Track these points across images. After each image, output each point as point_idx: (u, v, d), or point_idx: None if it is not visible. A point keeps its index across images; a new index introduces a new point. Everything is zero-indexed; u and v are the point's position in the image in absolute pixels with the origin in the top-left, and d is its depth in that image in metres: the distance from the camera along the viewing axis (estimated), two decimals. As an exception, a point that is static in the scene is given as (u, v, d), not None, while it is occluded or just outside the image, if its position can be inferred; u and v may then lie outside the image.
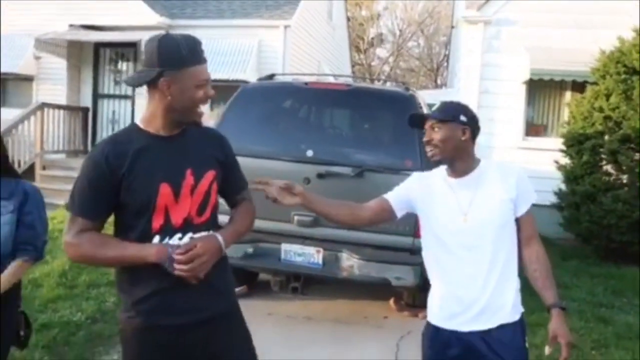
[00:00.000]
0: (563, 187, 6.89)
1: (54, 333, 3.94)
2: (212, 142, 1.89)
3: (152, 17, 9.92)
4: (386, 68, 25.85)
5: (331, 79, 6.18)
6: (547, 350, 1.93)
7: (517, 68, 7.81)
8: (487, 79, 8.12)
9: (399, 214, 2.15)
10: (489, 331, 2.00)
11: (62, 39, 10.00)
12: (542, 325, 4.43)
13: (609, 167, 6.40)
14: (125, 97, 10.76)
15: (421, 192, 2.11)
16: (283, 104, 4.41)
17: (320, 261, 4.09)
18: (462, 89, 8.74)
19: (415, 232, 3.92)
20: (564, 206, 6.92)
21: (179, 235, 1.76)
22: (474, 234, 1.99)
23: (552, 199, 7.08)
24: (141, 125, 1.79)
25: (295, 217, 4.04)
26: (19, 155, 9.22)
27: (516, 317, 2.04)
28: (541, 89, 8.09)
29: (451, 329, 2.04)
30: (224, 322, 1.87)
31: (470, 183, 2.03)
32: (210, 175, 1.81)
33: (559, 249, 7.05)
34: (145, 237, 1.75)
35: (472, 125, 2.05)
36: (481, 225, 1.99)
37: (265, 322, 4.35)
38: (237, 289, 4.88)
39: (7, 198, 2.37)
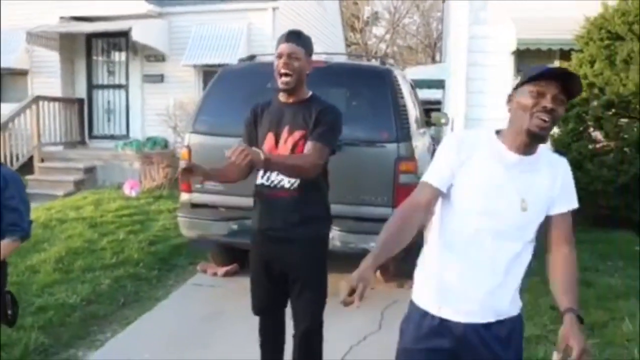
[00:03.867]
0: (554, 156, 6.95)
1: (50, 315, 4.07)
2: (310, 111, 2.50)
3: (142, 6, 9.99)
4: (383, 46, 25.74)
5: (323, 57, 6.21)
6: (555, 356, 1.64)
7: (504, 39, 7.82)
8: (475, 51, 8.12)
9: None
10: (487, 325, 1.81)
11: (54, 32, 10.07)
12: (526, 290, 4.55)
13: (597, 134, 6.45)
14: (119, 86, 10.86)
15: (463, 162, 1.78)
16: (262, 84, 4.46)
17: (303, 236, 4.18)
18: (451, 62, 8.76)
19: (394, 203, 4.03)
20: (555, 175, 6.98)
21: (275, 173, 2.50)
22: (524, 224, 1.78)
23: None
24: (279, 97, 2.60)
25: (277, 194, 4.13)
26: (17, 149, 9.38)
27: (517, 310, 1.88)
28: (530, 59, 8.07)
29: (444, 317, 1.83)
30: (296, 246, 2.53)
31: (530, 166, 1.76)
32: (298, 134, 2.48)
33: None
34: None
35: None
36: (536, 217, 1.79)
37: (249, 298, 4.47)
38: (227, 267, 5.06)
39: None
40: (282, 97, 2.55)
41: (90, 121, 10.96)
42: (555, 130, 6.81)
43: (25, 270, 4.98)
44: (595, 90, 6.16)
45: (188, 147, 4.50)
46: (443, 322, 1.83)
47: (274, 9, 9.87)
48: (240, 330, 2.83)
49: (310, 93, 2.60)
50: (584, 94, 6.24)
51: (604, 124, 6.09)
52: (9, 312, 2.64)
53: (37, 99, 9.57)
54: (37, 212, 7.26)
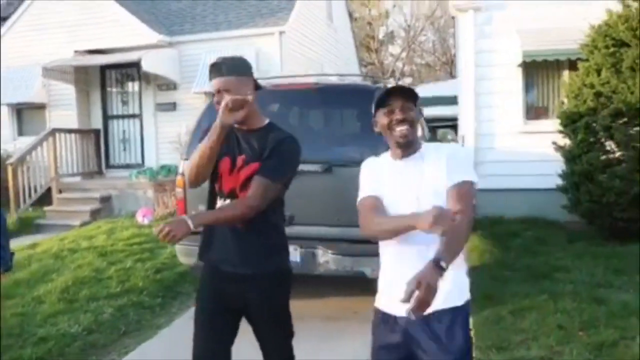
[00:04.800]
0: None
1: (50, 345, 4.09)
2: (265, 141, 2.35)
3: (152, 36, 10.20)
4: (400, 65, 25.76)
5: (334, 79, 6.24)
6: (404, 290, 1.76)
7: (510, 52, 7.73)
8: (481, 65, 8.04)
9: None
10: (425, 317, 1.91)
11: (69, 65, 10.35)
12: (534, 308, 4.42)
13: (611, 144, 6.27)
14: (134, 116, 11.05)
15: (374, 179, 2.11)
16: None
17: (298, 259, 4.14)
18: (461, 77, 8.68)
19: (387, 223, 3.97)
20: (567, 188, 6.82)
21: (227, 200, 2.37)
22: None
23: (558, 182, 6.98)
24: None
25: (271, 218, 4.10)
26: (35, 181, 9.58)
27: (457, 302, 2.00)
28: (538, 70, 7.96)
29: (391, 314, 2.04)
30: (255, 283, 2.36)
31: (415, 163, 2.04)
32: (253, 166, 2.33)
33: (566, 231, 6.94)
34: (214, 195, 2.44)
35: None
36: (428, 205, 1.90)
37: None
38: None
39: None
40: (236, 124, 2.38)
41: (106, 151, 11.17)
42: (567, 141, 6.68)
43: (32, 301, 5.03)
44: (602, 99, 6.01)
45: (183, 174, 4.53)
46: (391, 318, 2.06)
47: (280, 33, 9.98)
48: (243, 356, 2.74)
49: (266, 121, 2.44)
50: (591, 104, 6.10)
51: (614, 134, 5.92)
52: None
53: (54, 131, 9.80)
54: (50, 242, 7.39)
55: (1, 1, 12.53)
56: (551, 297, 4.64)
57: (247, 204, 2.27)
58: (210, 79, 2.33)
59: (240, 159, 2.35)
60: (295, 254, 4.14)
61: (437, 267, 1.76)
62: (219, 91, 2.30)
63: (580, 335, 3.92)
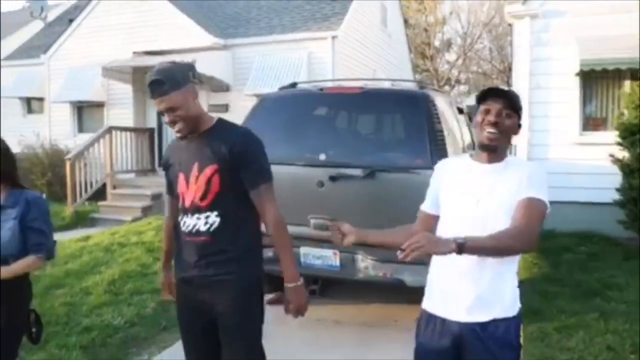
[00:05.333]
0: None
1: (94, 335, 4.24)
2: (218, 141, 2.24)
3: (207, 39, 10.42)
4: (455, 72, 25.32)
5: (385, 84, 6.19)
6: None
7: (567, 60, 7.44)
8: (537, 74, 7.78)
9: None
10: (482, 324, 1.97)
11: (127, 66, 10.71)
12: (582, 327, 4.23)
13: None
14: (187, 116, 11.31)
15: (443, 178, 2.14)
16: (300, 111, 4.50)
17: (338, 263, 4.12)
18: (516, 86, 8.45)
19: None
20: (625, 203, 6.51)
21: (189, 215, 2.28)
22: (483, 221, 1.94)
23: (615, 196, 6.68)
24: None
25: (312, 221, 4.10)
26: (92, 176, 9.94)
27: (512, 312, 2.00)
28: (597, 80, 7.63)
29: (443, 317, 2.04)
30: (225, 290, 2.26)
31: (495, 171, 2.01)
32: (209, 170, 2.23)
33: (622, 248, 6.63)
34: (179, 212, 2.36)
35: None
36: (491, 214, 1.95)
37: (294, 325, 4.41)
38: (271, 295, 5.04)
39: (11, 206, 2.62)
40: (189, 133, 2.30)
41: (160, 150, 11.46)
42: (625, 154, 6.39)
43: (80, 292, 5.22)
44: (666, 112, 5.71)
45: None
46: (439, 320, 2.05)
47: (333, 37, 10.00)
48: (281, 356, 2.74)
49: (214, 120, 2.31)
50: (653, 116, 5.80)
51: (676, 148, 5.61)
52: (33, 330, 2.73)
53: (110, 129, 10.15)
54: (101, 236, 7.65)
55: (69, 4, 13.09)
56: (601, 316, 4.44)
57: (276, 221, 2.26)
58: (153, 97, 2.19)
59: (195, 168, 2.27)
60: (335, 258, 4.13)
61: (453, 240, 1.78)
62: (168, 109, 2.19)
63: (631, 358, 3.73)
